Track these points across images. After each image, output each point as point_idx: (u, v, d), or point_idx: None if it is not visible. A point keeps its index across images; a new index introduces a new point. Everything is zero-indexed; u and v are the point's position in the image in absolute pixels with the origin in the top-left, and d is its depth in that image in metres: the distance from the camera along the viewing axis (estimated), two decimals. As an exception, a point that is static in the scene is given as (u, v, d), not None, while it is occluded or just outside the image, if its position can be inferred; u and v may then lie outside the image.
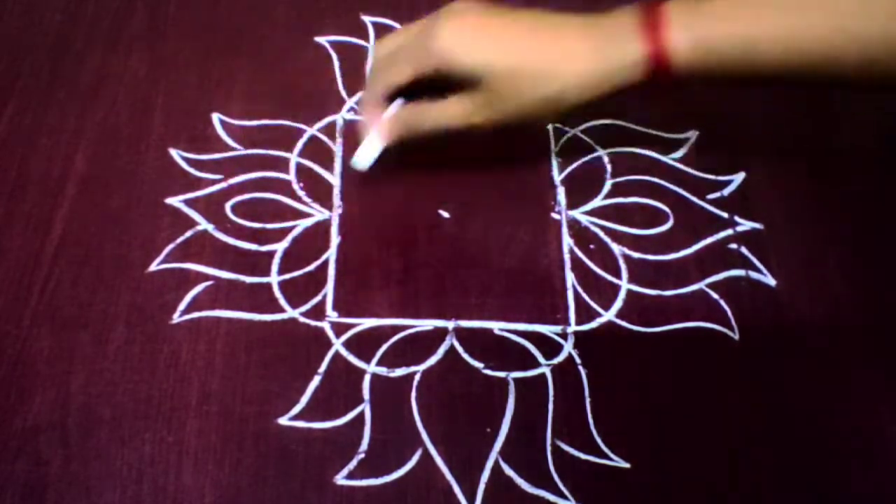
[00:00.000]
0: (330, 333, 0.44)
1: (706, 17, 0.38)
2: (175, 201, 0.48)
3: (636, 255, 0.48)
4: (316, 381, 0.42)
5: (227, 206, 0.48)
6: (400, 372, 0.43)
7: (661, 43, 0.38)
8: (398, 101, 0.42)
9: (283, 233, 0.47)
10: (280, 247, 0.47)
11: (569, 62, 0.39)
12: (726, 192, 0.51)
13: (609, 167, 0.51)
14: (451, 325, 0.45)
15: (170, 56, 0.54)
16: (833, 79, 0.38)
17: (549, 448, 0.41)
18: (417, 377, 0.43)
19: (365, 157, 0.43)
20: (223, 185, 0.49)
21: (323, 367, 0.43)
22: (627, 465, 0.41)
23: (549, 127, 0.53)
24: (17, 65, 0.53)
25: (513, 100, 0.39)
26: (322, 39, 0.56)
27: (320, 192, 0.49)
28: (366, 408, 0.42)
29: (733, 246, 0.49)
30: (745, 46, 0.38)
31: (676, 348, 0.45)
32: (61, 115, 0.51)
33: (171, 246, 0.46)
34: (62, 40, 0.54)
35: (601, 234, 0.49)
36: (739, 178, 0.51)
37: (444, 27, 0.39)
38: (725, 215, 0.50)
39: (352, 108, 0.52)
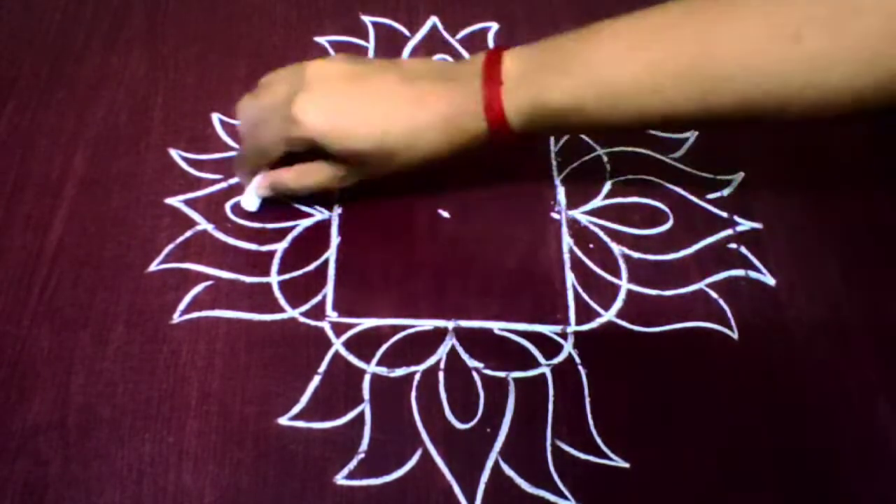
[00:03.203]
0: (330, 333, 0.44)
1: (538, 78, 0.40)
2: (175, 201, 0.48)
3: (636, 255, 0.48)
4: (316, 381, 0.42)
5: (227, 206, 0.48)
6: (400, 372, 0.43)
7: (498, 117, 0.40)
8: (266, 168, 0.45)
9: (283, 233, 0.47)
10: (280, 247, 0.47)
11: (424, 138, 0.41)
12: (726, 192, 0.51)
13: (609, 167, 0.51)
14: (451, 325, 0.45)
15: (169, 56, 0.54)
16: (673, 122, 0.40)
17: (549, 448, 0.41)
18: (417, 377, 0.43)
19: (249, 204, 0.47)
20: (223, 185, 0.49)
21: (323, 367, 0.43)
22: (627, 465, 0.41)
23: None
24: (17, 65, 0.53)
25: (378, 167, 0.43)
26: (322, 39, 0.56)
27: (320, 192, 0.49)
28: (366, 408, 0.42)
29: (733, 246, 0.49)
30: (576, 102, 0.39)
31: (676, 348, 0.45)
32: (61, 115, 0.51)
33: (171, 246, 0.46)
34: (62, 40, 0.54)
35: (601, 233, 0.49)
36: (739, 178, 0.51)
37: (307, 105, 0.40)
38: (725, 215, 0.50)
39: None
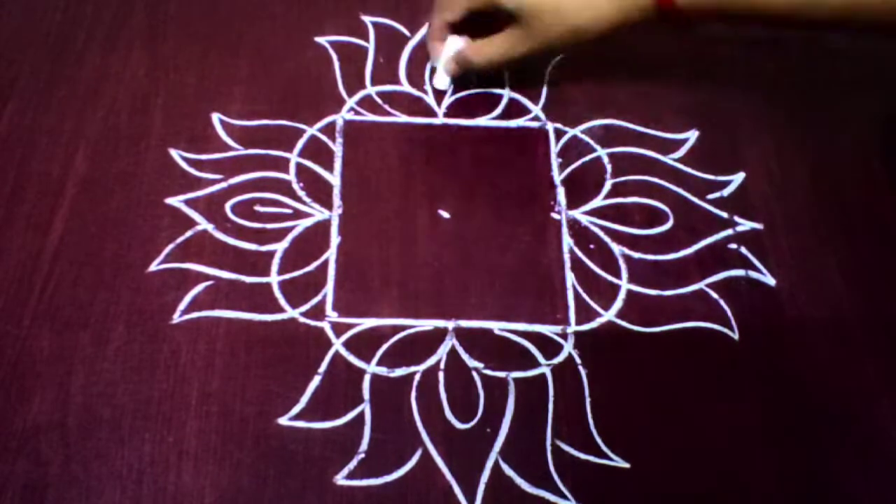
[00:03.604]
0: (330, 333, 0.44)
1: None
2: (175, 201, 0.48)
3: (636, 255, 0.48)
4: (316, 381, 0.42)
5: (227, 206, 0.48)
6: (400, 372, 0.43)
7: None
8: (454, 38, 0.51)
9: (283, 233, 0.47)
10: (280, 247, 0.47)
11: (591, 9, 0.46)
12: (726, 192, 0.51)
13: (609, 167, 0.51)
14: (451, 325, 0.45)
15: (170, 56, 0.54)
16: (840, 21, 0.44)
17: (549, 448, 0.41)
18: (417, 377, 0.43)
19: (441, 83, 0.53)
20: (223, 185, 0.49)
21: (323, 367, 0.43)
22: (627, 465, 0.41)
23: (549, 127, 0.53)
24: (17, 65, 0.53)
25: (546, 31, 0.47)
26: (322, 39, 0.56)
27: (320, 192, 0.49)
28: (366, 408, 0.42)
29: (733, 246, 0.49)
30: None
31: (676, 348, 0.45)
32: (61, 115, 0.51)
33: (171, 246, 0.46)
34: (62, 40, 0.54)
35: (601, 234, 0.49)
36: (739, 178, 0.51)
37: None
38: (725, 215, 0.50)
39: (351, 109, 0.52)
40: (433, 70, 0.53)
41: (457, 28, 0.51)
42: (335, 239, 0.47)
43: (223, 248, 0.46)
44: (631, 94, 0.54)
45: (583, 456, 0.41)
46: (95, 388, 0.41)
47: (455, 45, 0.51)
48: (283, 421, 0.41)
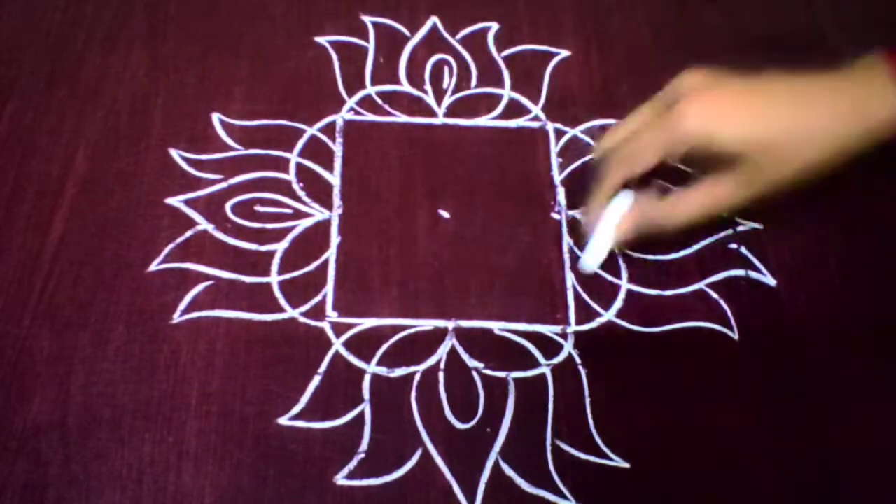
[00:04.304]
0: (330, 333, 0.44)
1: None
2: (175, 201, 0.48)
3: (636, 255, 0.48)
4: (316, 381, 0.42)
5: (227, 206, 0.48)
6: (400, 372, 0.43)
7: None
8: (625, 194, 0.39)
9: (283, 233, 0.47)
10: (280, 247, 0.47)
11: (827, 125, 0.37)
12: (726, 192, 0.51)
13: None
14: (451, 325, 0.45)
15: (170, 56, 0.54)
16: None
17: (549, 448, 0.41)
18: (417, 377, 0.43)
19: (595, 259, 0.39)
20: (223, 185, 0.49)
21: (323, 367, 0.43)
22: (627, 466, 0.41)
23: (549, 127, 0.53)
24: (17, 65, 0.53)
25: (776, 170, 0.38)
26: (322, 39, 0.56)
27: (320, 192, 0.49)
28: (366, 408, 0.42)
29: (733, 246, 0.49)
30: None
31: (676, 348, 0.45)
32: (61, 115, 0.51)
33: (171, 246, 0.46)
34: (62, 40, 0.54)
35: (601, 234, 0.48)
36: (739, 178, 0.51)
37: (693, 104, 0.38)
38: (725, 215, 0.50)
39: (351, 109, 0.52)
40: (578, 243, 0.40)
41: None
42: (335, 239, 0.47)
43: (223, 248, 0.46)
44: (631, 95, 0.54)
45: (583, 456, 0.41)
46: (95, 388, 0.41)
47: (625, 202, 0.38)
48: (283, 421, 0.41)
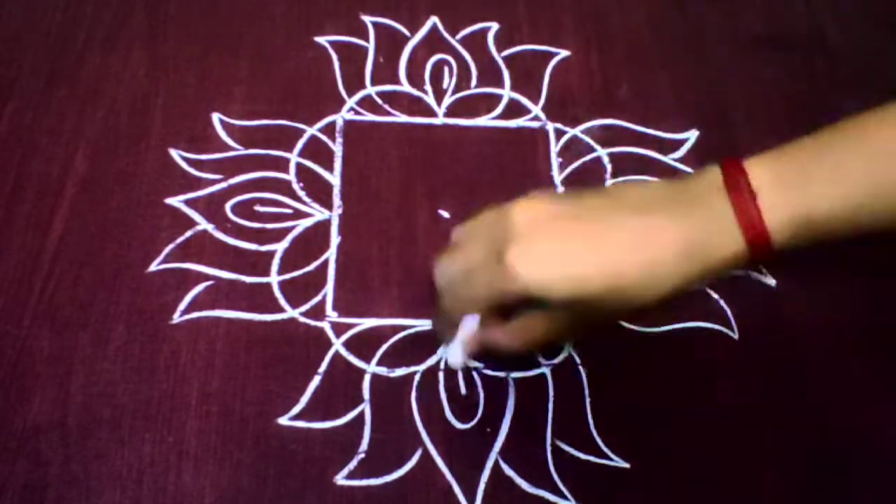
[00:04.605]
0: (330, 333, 0.44)
1: (802, 186, 0.34)
2: (175, 201, 0.48)
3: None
4: (316, 381, 0.42)
5: (227, 206, 0.48)
6: (400, 372, 0.43)
7: (760, 235, 0.34)
8: (471, 318, 0.38)
9: (283, 233, 0.47)
10: (280, 247, 0.47)
11: (664, 272, 0.35)
12: (726, 192, 0.51)
13: (609, 167, 0.51)
14: (451, 325, 0.45)
15: (170, 56, 0.54)
16: None
17: (549, 448, 0.41)
18: (417, 377, 0.43)
19: (454, 361, 0.40)
20: (223, 185, 0.49)
21: (323, 367, 0.43)
22: (627, 465, 0.41)
23: (549, 127, 0.53)
24: (17, 65, 0.53)
25: (606, 313, 0.37)
26: (322, 39, 0.56)
27: (320, 192, 0.49)
28: (366, 408, 0.42)
29: (733, 246, 0.48)
30: (852, 210, 0.34)
31: (676, 348, 0.45)
32: (61, 115, 0.50)
33: (171, 246, 0.46)
34: (62, 40, 0.54)
35: (601, 234, 0.48)
36: (739, 178, 0.51)
37: (522, 257, 0.35)
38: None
39: (351, 109, 0.52)
40: (444, 344, 0.42)
41: None
42: (335, 239, 0.47)
43: (223, 248, 0.46)
44: (631, 94, 0.54)
45: (583, 456, 0.41)
46: (95, 388, 0.41)
47: (472, 324, 0.38)
48: (283, 421, 0.41)
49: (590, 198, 0.37)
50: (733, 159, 0.35)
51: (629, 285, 0.34)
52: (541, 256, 0.35)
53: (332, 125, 0.52)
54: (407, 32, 0.56)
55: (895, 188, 0.33)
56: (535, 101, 0.54)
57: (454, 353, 0.40)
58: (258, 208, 0.48)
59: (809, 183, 0.34)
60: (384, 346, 0.44)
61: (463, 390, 0.43)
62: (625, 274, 0.34)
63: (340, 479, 0.40)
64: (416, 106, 0.53)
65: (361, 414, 0.42)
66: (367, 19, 0.57)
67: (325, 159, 0.50)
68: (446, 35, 0.57)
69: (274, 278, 0.45)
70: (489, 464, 0.41)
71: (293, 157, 0.50)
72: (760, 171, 0.34)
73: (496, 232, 0.36)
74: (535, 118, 0.53)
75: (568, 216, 0.36)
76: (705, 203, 0.35)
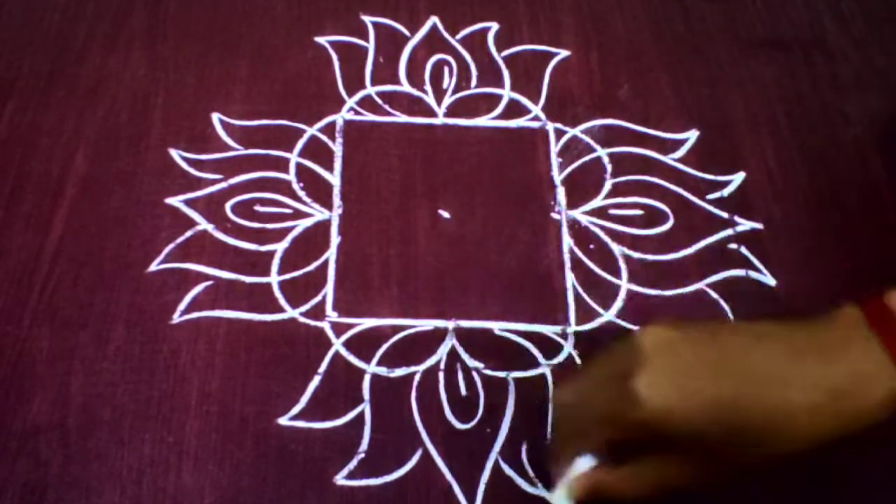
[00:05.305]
0: (330, 333, 0.44)
1: None
2: (175, 201, 0.48)
3: (636, 255, 0.48)
4: (316, 381, 0.42)
5: (227, 206, 0.48)
6: (400, 372, 0.43)
7: None
8: (586, 459, 0.35)
9: (283, 233, 0.47)
10: (280, 247, 0.47)
11: (802, 416, 0.31)
12: (726, 192, 0.51)
13: (609, 167, 0.51)
14: (451, 325, 0.45)
15: (170, 56, 0.54)
16: None
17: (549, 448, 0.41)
18: (417, 377, 0.43)
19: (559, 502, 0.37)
20: (223, 185, 0.49)
21: (323, 367, 0.43)
22: (627, 466, 0.41)
23: (549, 127, 0.53)
24: (17, 65, 0.53)
25: (736, 459, 0.33)
26: (322, 39, 0.56)
27: (320, 192, 0.49)
28: (366, 408, 0.42)
29: (733, 246, 0.49)
30: None
31: (676, 348, 0.45)
32: (61, 115, 0.51)
33: (171, 246, 0.46)
34: (62, 40, 0.54)
35: (601, 234, 0.49)
36: (739, 178, 0.51)
37: (647, 373, 0.32)
38: (725, 215, 0.50)
39: (351, 109, 0.52)
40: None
41: None
42: (335, 239, 0.47)
43: (223, 248, 0.46)
44: (631, 94, 0.55)
45: (583, 456, 0.41)
46: (95, 388, 0.41)
47: (585, 465, 0.35)
48: (283, 421, 0.41)
49: (726, 332, 0.34)
50: (874, 297, 0.32)
51: (757, 431, 0.31)
52: (671, 380, 0.32)
53: (332, 125, 0.52)
54: (407, 32, 0.56)
55: None
56: (535, 101, 0.54)
57: (559, 497, 0.36)
58: (258, 208, 0.48)
59: None
60: (384, 346, 0.44)
61: (463, 390, 0.43)
62: (755, 419, 0.31)
63: (340, 479, 0.40)
64: (416, 106, 0.53)
65: (361, 414, 0.42)
66: (367, 19, 0.57)
67: (325, 159, 0.50)
68: (446, 35, 0.57)
69: (274, 278, 0.45)
70: (489, 464, 0.41)
71: (293, 157, 0.50)
72: None
73: (623, 356, 0.33)
74: (535, 118, 0.53)
75: (701, 340, 0.33)
76: (855, 346, 0.32)
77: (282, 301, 0.45)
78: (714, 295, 0.47)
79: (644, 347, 0.33)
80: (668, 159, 0.52)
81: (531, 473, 0.40)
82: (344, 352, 0.43)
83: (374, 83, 0.54)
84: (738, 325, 0.34)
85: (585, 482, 0.35)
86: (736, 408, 0.31)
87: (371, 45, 0.56)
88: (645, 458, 0.34)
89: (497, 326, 0.45)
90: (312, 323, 0.44)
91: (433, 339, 0.44)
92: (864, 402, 0.31)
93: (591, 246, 0.48)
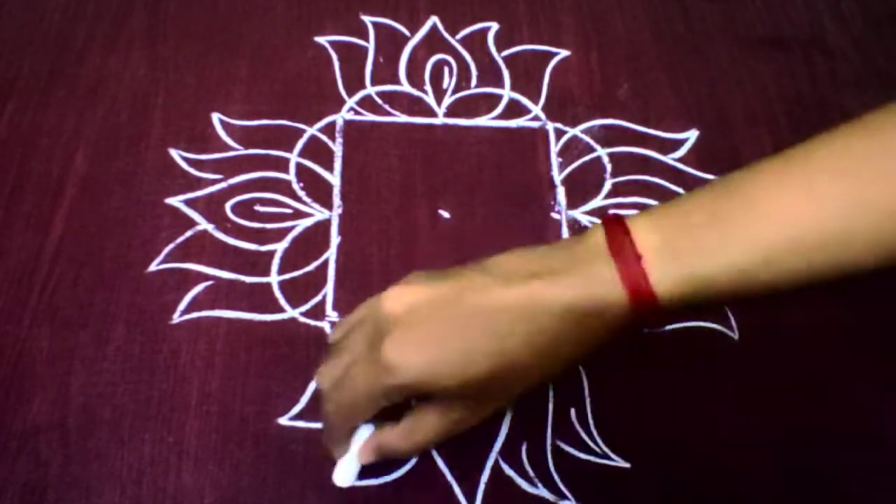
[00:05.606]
0: (330, 333, 0.44)
1: (687, 247, 0.32)
2: (175, 201, 0.48)
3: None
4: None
5: (227, 206, 0.48)
6: (400, 372, 0.43)
7: (647, 299, 0.32)
8: (365, 428, 0.37)
9: (283, 233, 0.47)
10: (280, 247, 0.47)
11: (551, 345, 0.33)
12: (726, 192, 0.51)
13: (609, 167, 0.51)
14: (450, 325, 0.45)
15: (170, 56, 0.54)
16: (847, 273, 0.32)
17: (549, 448, 0.41)
18: (417, 377, 0.43)
19: (344, 478, 0.37)
20: (223, 185, 0.49)
21: (323, 367, 0.43)
22: (627, 465, 0.41)
23: (549, 127, 0.53)
24: (17, 65, 0.53)
25: (500, 396, 0.35)
26: (322, 39, 0.56)
27: (320, 192, 0.49)
28: (366, 408, 0.42)
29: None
30: (743, 272, 0.32)
31: (676, 348, 0.45)
32: (61, 115, 0.51)
33: (171, 246, 0.46)
34: (62, 40, 0.54)
35: (601, 234, 0.48)
36: (739, 178, 0.51)
37: (395, 341, 0.33)
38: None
39: (351, 109, 0.52)
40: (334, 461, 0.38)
41: None
42: (335, 239, 0.47)
43: (223, 248, 0.46)
44: (631, 94, 0.55)
45: (583, 456, 0.41)
46: (95, 388, 0.41)
47: (366, 433, 0.36)
48: (283, 421, 0.41)
49: (466, 275, 0.34)
50: (615, 219, 0.34)
51: (516, 360, 0.32)
52: (418, 344, 0.32)
53: (332, 125, 0.52)
54: (407, 32, 0.56)
55: (784, 252, 0.31)
56: (535, 101, 0.54)
57: (343, 471, 0.37)
58: (258, 208, 0.48)
59: (696, 248, 0.32)
60: (384, 346, 0.44)
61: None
62: (509, 350, 0.32)
63: (340, 479, 0.40)
64: (416, 106, 0.53)
65: (361, 414, 0.42)
66: (367, 19, 0.57)
67: (325, 159, 0.50)
68: (446, 35, 0.57)
69: (274, 278, 0.45)
70: (489, 464, 0.41)
71: (293, 157, 0.50)
72: (645, 231, 0.33)
73: (371, 325, 0.34)
74: (535, 118, 0.53)
75: (443, 298, 0.33)
76: (587, 268, 0.33)
77: (282, 301, 0.45)
78: (714, 295, 0.47)
79: (389, 311, 0.33)
80: (668, 159, 0.52)
81: (531, 473, 0.41)
82: (344, 352, 0.43)
83: (374, 83, 0.54)
84: (479, 263, 0.35)
85: (367, 448, 0.36)
86: (486, 353, 0.32)
87: (371, 45, 0.56)
88: (420, 411, 0.35)
89: (497, 326, 0.45)
90: (312, 323, 0.44)
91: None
92: (596, 324, 0.33)
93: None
